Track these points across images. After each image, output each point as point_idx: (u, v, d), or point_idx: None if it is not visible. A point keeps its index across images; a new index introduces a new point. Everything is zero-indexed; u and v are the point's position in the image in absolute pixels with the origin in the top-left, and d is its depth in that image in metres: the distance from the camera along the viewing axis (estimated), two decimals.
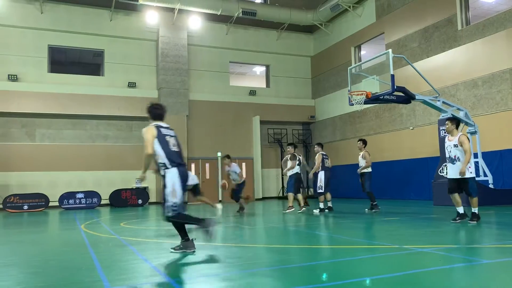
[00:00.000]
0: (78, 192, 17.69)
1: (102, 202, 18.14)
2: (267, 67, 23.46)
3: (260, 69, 24.44)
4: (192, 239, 5.61)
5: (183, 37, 20.81)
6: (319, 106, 23.17)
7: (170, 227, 9.06)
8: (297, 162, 12.00)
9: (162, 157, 5.34)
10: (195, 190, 10.23)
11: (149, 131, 5.40)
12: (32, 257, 5.95)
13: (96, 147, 19.32)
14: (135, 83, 19.98)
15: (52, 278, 4.41)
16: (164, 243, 6.81)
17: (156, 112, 5.76)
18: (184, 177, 5.44)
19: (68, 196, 17.47)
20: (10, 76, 17.83)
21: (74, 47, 19.60)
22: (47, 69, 18.86)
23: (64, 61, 20.53)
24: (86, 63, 21.12)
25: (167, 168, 5.37)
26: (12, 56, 18.09)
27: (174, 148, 5.43)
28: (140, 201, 18.29)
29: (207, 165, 21.12)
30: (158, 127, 5.48)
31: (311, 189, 17.26)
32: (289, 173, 11.95)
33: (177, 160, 5.40)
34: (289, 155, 12.13)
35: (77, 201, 17.50)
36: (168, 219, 5.45)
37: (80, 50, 19.96)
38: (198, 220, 5.54)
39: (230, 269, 4.68)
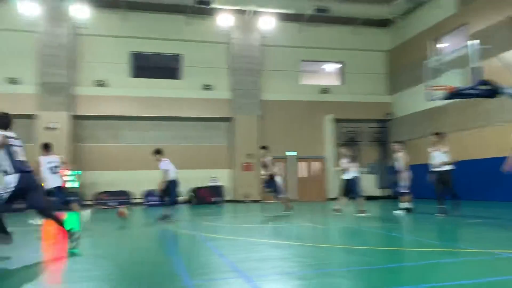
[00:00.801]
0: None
1: (180, 199, 18.96)
2: (341, 64, 23.03)
3: (331, 67, 24.06)
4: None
5: (256, 37, 21.11)
6: (397, 103, 22.29)
7: (245, 224, 9.18)
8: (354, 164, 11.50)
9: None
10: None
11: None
12: (119, 250, 6.39)
13: (174, 147, 20.19)
14: (210, 85, 20.64)
15: (137, 271, 4.71)
16: (239, 239, 6.96)
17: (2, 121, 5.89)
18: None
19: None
20: (97, 81, 19.29)
21: (154, 53, 20.72)
22: (130, 74, 20.14)
23: (145, 66, 21.75)
24: (165, 67, 22.21)
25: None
26: (99, 63, 19.54)
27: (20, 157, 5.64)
28: (216, 199, 18.85)
29: (279, 164, 21.22)
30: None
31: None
32: (353, 174, 11.35)
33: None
34: (349, 157, 11.46)
35: (158, 198, 18.44)
36: None
37: (159, 55, 21.05)
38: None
39: (304, 268, 4.67)
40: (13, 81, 18.14)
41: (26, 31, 18.43)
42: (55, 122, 18.03)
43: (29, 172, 5.82)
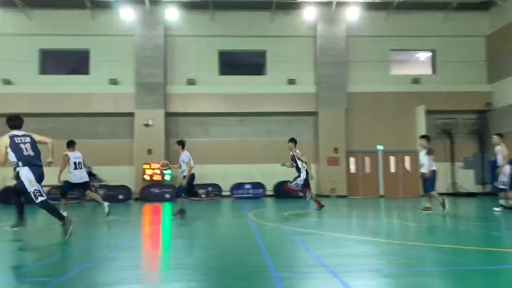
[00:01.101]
0: (246, 183, 19.21)
1: (267, 192, 19.33)
2: (433, 52, 21.68)
3: (424, 55, 22.72)
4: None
5: (341, 29, 20.66)
6: (498, 91, 20.43)
7: (331, 219, 9.11)
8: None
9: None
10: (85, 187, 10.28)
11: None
12: (207, 241, 6.72)
13: (259, 142, 20.63)
14: (294, 79, 20.67)
15: (226, 260, 4.93)
16: (325, 234, 6.94)
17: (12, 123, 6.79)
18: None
19: (238, 186, 19.10)
20: (189, 80, 20.31)
21: (240, 50, 21.27)
22: (218, 72, 20.91)
23: (231, 63, 22.40)
24: (250, 64, 22.67)
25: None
26: (190, 63, 20.54)
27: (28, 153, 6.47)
28: (301, 193, 18.88)
29: (366, 158, 20.63)
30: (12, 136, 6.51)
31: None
32: (431, 168, 10.48)
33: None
34: (426, 150, 10.61)
35: (245, 191, 19.04)
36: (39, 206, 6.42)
37: (245, 52, 21.54)
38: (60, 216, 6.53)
39: (393, 266, 4.53)
40: (114, 82, 19.78)
41: (126, 35, 19.95)
42: (151, 119, 19.35)
43: (38, 166, 6.63)
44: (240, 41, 20.82)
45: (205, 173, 19.95)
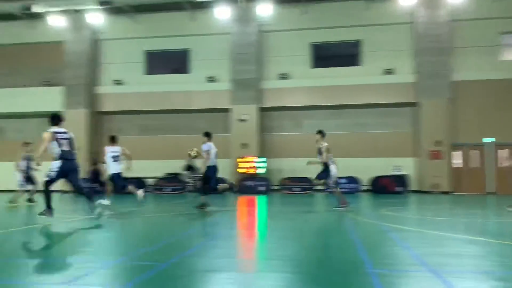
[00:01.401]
0: (340, 177, 18.79)
1: (363, 187, 18.79)
2: None
3: None
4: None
5: (443, 13, 19.22)
6: None
7: (433, 216, 8.59)
8: None
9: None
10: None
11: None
12: (303, 233, 6.73)
13: (355, 135, 20.10)
14: (392, 69, 19.73)
15: (321, 254, 4.90)
16: (426, 232, 6.55)
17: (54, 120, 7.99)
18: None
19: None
20: (281, 75, 20.47)
21: (334, 42, 20.87)
22: (310, 65, 20.76)
23: (324, 55, 22.08)
24: (344, 55, 22.13)
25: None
26: (282, 57, 20.68)
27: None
28: (399, 189, 18.04)
29: (473, 152, 18.97)
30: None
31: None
32: None
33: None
34: None
35: (340, 185, 18.59)
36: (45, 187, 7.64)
37: (338, 44, 21.08)
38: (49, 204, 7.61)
39: (506, 268, 4.13)
40: (212, 79, 20.66)
41: (222, 33, 20.70)
42: (246, 114, 19.89)
43: (70, 159, 7.78)
44: (333, 32, 20.41)
45: (297, 167, 19.98)
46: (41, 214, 7.73)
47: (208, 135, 10.85)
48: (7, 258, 4.73)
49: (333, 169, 10.62)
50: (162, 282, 3.62)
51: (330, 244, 5.68)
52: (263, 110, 20.44)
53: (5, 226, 7.78)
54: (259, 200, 14.73)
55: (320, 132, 10.90)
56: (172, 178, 19.43)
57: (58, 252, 5.21)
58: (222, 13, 20.05)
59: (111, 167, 10.72)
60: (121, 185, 10.85)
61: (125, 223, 8.28)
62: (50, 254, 5.06)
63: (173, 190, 18.72)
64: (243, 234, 7.05)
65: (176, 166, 19.67)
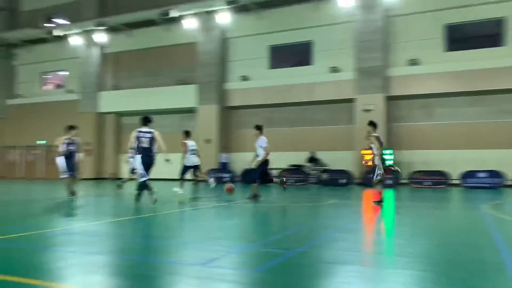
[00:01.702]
0: (480, 171, 17.04)
1: (507, 182, 16.76)
2: None
3: None
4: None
5: None
6: None
7: None
8: None
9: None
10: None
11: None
12: (434, 231, 6.28)
13: (497, 124, 18.00)
14: None
15: (455, 253, 4.52)
16: None
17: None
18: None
19: (470, 174, 17.12)
20: (410, 61, 19.22)
21: (471, 21, 18.86)
22: (443, 48, 19.10)
23: (460, 37, 20.13)
24: (483, 35, 19.89)
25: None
26: (412, 42, 19.39)
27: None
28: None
29: None
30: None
31: None
32: None
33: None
34: None
35: (479, 180, 16.89)
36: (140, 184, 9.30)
37: (477, 23, 18.99)
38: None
39: None
40: (335, 69, 20.37)
41: (345, 22, 20.25)
42: (371, 104, 19.18)
43: (147, 155, 9.17)
44: (471, 11, 18.46)
45: (429, 160, 18.69)
46: (137, 195, 9.37)
47: (259, 128, 10.85)
48: (152, 239, 5.33)
49: (376, 161, 9.38)
50: (289, 270, 3.72)
51: (465, 243, 5.20)
52: (390, 99, 19.48)
53: (150, 211, 8.76)
54: (386, 194, 14.13)
55: (371, 124, 9.78)
56: (296, 170, 19.72)
57: (193, 235, 5.70)
58: (345, 2, 19.59)
59: (189, 160, 12.07)
60: (194, 174, 12.54)
61: (253, 212, 8.69)
62: (186, 237, 5.56)
63: (296, 181, 19.00)
64: (369, 228, 6.86)
65: (299, 158, 19.93)
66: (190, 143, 12.24)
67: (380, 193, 9.29)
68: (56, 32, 25.64)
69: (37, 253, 4.49)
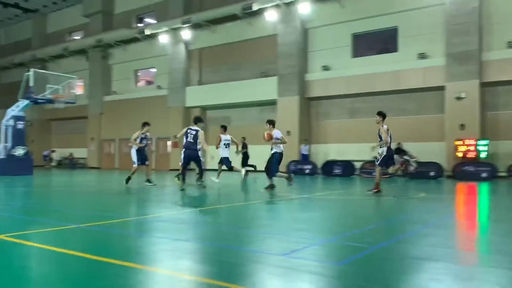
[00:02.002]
0: None
1: None
2: None
3: None
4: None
5: None
6: None
7: None
8: None
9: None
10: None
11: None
12: None
13: None
14: None
15: None
16: None
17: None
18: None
19: None
20: (510, 43, 17.48)
21: None
22: None
23: None
24: None
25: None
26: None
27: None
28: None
29: None
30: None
31: None
32: None
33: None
34: None
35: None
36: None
37: None
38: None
39: None
40: (423, 56, 19.24)
41: (434, 5, 19.01)
42: (463, 91, 17.84)
43: (191, 149, 10.27)
44: None
45: None
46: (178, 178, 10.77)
47: (272, 122, 10.77)
48: (236, 228, 5.50)
49: (380, 151, 10.12)
50: (373, 264, 3.62)
51: None
52: (485, 85, 17.99)
53: (235, 201, 9.02)
54: (481, 188, 13.13)
55: (379, 113, 10.31)
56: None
57: (276, 226, 5.77)
58: None
59: (222, 152, 13.62)
60: (229, 166, 13.63)
61: (337, 205, 8.58)
62: (269, 228, 5.65)
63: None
64: (461, 224, 6.43)
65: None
66: (224, 137, 13.79)
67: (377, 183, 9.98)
68: (146, 31, 27.28)
69: (131, 238, 4.86)
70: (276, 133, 10.50)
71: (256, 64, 24.61)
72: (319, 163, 20.94)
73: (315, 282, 3.10)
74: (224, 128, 14.19)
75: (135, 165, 12.36)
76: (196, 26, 25.77)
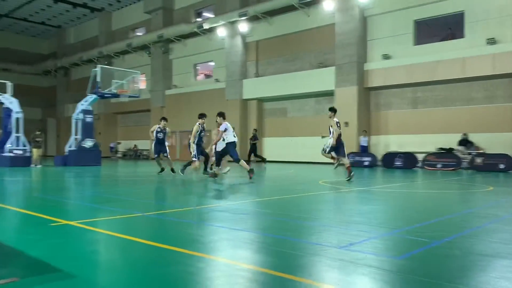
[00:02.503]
0: None
1: None
2: None
3: None
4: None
5: None
6: None
7: None
8: None
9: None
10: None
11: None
12: None
13: None
14: None
15: None
16: None
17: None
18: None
19: None
20: None
21: None
22: None
23: None
24: None
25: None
26: None
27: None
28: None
29: None
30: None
31: None
32: None
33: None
34: None
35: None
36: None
37: None
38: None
39: None
40: (492, 41, 18.03)
41: None
42: None
43: (231, 142, 11.41)
44: None
45: None
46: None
47: (222, 115, 11.80)
48: (293, 219, 5.51)
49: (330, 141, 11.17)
50: (435, 259, 3.49)
51: None
52: None
53: (292, 193, 9.03)
54: None
55: (331, 109, 11.39)
56: (445, 153, 18.19)
57: (333, 218, 5.72)
58: None
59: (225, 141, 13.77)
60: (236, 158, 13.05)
61: (398, 197, 8.33)
62: (326, 220, 5.61)
63: (445, 166, 17.52)
64: None
65: (449, 140, 18.35)
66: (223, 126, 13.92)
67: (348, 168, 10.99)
68: (205, 26, 27.82)
69: (191, 227, 5.03)
70: (222, 126, 11.66)
71: (313, 54, 24.32)
72: (379, 155, 20.39)
73: (373, 275, 3.05)
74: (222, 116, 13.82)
75: (194, 159, 12.34)
76: (253, 18, 25.89)
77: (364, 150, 20.82)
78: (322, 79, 22.99)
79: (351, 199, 8.06)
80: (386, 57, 21.12)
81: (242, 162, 11.41)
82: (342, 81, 22.01)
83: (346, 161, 11.31)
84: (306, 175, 14.40)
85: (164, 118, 14.04)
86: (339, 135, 11.03)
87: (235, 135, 11.69)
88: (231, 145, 11.45)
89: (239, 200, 7.77)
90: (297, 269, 3.19)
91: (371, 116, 22.25)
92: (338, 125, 11.18)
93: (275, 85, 25.06)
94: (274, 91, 25.14)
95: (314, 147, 23.12)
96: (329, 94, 22.90)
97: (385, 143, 21.55)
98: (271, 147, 26.50)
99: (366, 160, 20.10)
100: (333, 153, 11.41)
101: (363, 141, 21.03)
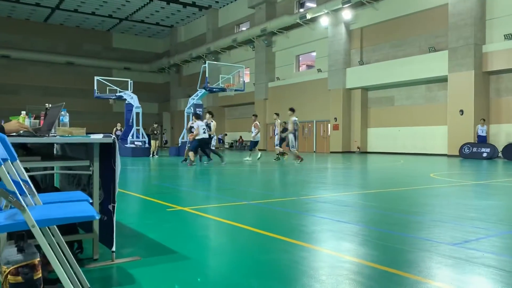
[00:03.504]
0: None
1: None
2: None
3: None
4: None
5: None
6: None
7: None
8: None
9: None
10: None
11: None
12: None
13: None
14: None
15: None
16: None
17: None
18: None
19: None
20: None
21: None
22: None
23: None
24: None
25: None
26: None
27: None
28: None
29: None
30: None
31: None
32: None
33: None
34: None
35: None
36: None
37: None
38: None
39: None
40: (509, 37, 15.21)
41: None
42: None
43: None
44: None
45: None
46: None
47: (209, 113, 14.95)
48: (401, 214, 5.28)
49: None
50: None
51: None
52: None
53: (394, 186, 8.64)
54: None
55: (290, 109, 14.70)
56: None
57: (446, 213, 5.35)
58: None
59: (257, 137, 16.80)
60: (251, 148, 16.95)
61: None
62: (438, 215, 5.27)
63: None
64: None
65: None
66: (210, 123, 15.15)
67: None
68: (308, 16, 27.67)
69: (295, 216, 5.10)
70: (195, 124, 13.65)
71: (422, 38, 22.82)
72: (500, 146, 18.48)
73: (491, 276, 2.81)
74: (209, 113, 15.49)
75: (293, 149, 15.06)
76: (357, 5, 25.08)
77: (482, 140, 19.01)
78: (433, 64, 21.46)
79: (467, 194, 7.45)
80: (510, 37, 18.96)
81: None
82: (457, 65, 20.30)
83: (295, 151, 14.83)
84: (416, 167, 13.65)
85: (209, 112, 15.56)
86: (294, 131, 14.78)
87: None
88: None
89: (342, 191, 7.66)
90: (404, 265, 3.07)
91: (490, 103, 20.22)
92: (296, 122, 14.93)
93: (381, 73, 24.04)
94: (380, 79, 24.13)
95: (424, 138, 21.91)
96: (441, 80, 21.31)
97: (507, 132, 19.45)
98: (375, 137, 25.58)
99: (485, 151, 18.37)
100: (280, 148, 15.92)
101: (481, 130, 19.20)
